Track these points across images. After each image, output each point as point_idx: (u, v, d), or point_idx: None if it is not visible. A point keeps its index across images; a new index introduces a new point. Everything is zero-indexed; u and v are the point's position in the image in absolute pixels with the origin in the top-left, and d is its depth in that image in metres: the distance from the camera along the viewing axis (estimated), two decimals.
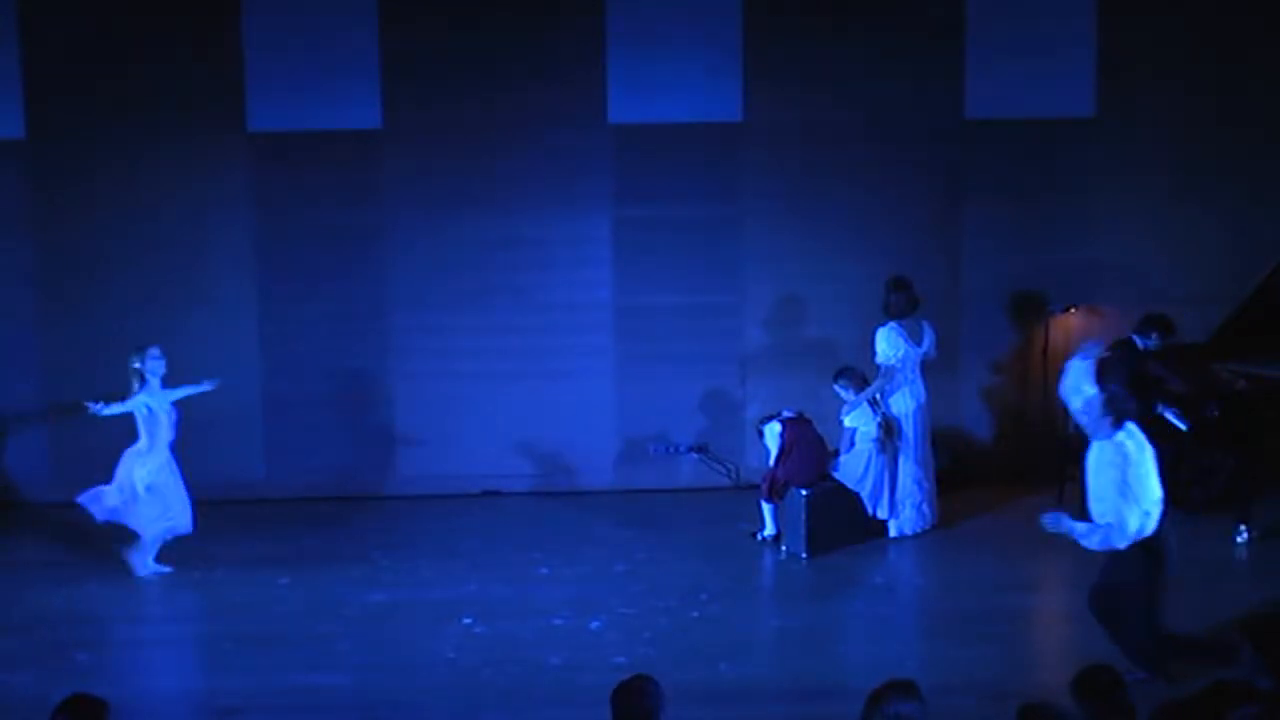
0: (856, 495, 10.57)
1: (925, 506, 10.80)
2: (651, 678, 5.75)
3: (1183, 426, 10.54)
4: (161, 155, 11.44)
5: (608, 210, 11.73)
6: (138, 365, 9.85)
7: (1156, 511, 7.66)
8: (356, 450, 11.82)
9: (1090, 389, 7.75)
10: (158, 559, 10.07)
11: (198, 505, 10.12)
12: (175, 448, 10.01)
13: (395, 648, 8.86)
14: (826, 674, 8.38)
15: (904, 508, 10.71)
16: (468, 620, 9.20)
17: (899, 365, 10.60)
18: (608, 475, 11.96)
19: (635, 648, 8.74)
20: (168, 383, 9.97)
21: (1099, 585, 7.96)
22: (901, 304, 10.66)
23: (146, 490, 9.84)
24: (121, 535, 10.03)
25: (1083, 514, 7.86)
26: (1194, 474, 11.01)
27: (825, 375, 10.74)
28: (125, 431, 9.95)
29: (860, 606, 9.68)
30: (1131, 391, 10.74)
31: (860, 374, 10.58)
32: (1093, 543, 7.71)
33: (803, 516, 10.30)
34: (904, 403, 10.66)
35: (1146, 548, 7.70)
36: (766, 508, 10.62)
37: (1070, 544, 7.90)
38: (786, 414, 10.66)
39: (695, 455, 11.97)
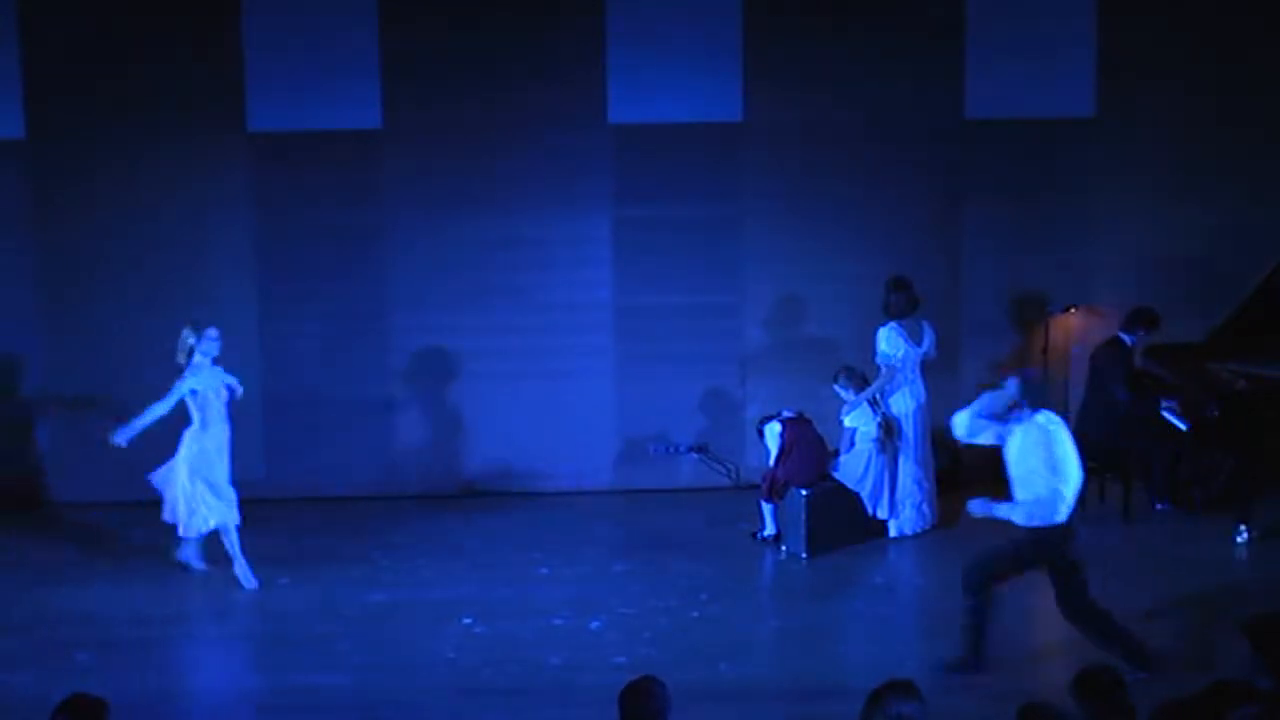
0: (856, 495, 10.57)
1: (925, 506, 10.79)
2: (659, 679, 5.75)
3: (1183, 426, 10.54)
4: (161, 155, 11.42)
5: (608, 210, 11.72)
6: (192, 342, 9.64)
7: (1073, 497, 7.90)
8: (356, 450, 11.81)
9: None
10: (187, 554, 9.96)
11: None
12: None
13: (395, 648, 8.84)
14: (826, 674, 8.38)
15: (904, 508, 10.70)
16: (468, 620, 9.20)
17: (899, 365, 10.60)
18: (608, 475, 11.95)
19: (635, 648, 8.74)
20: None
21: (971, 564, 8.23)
22: (901, 304, 10.65)
23: (190, 472, 9.61)
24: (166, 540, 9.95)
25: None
26: (1194, 474, 11.03)
27: (825, 375, 10.73)
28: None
29: (860, 606, 9.67)
30: (1131, 390, 10.82)
31: (860, 374, 10.57)
32: (1018, 516, 7.95)
33: (803, 516, 10.30)
34: (904, 403, 10.66)
35: (1042, 538, 7.91)
36: (766, 508, 10.61)
37: None
38: (786, 414, 10.66)
39: (695, 455, 11.95)
